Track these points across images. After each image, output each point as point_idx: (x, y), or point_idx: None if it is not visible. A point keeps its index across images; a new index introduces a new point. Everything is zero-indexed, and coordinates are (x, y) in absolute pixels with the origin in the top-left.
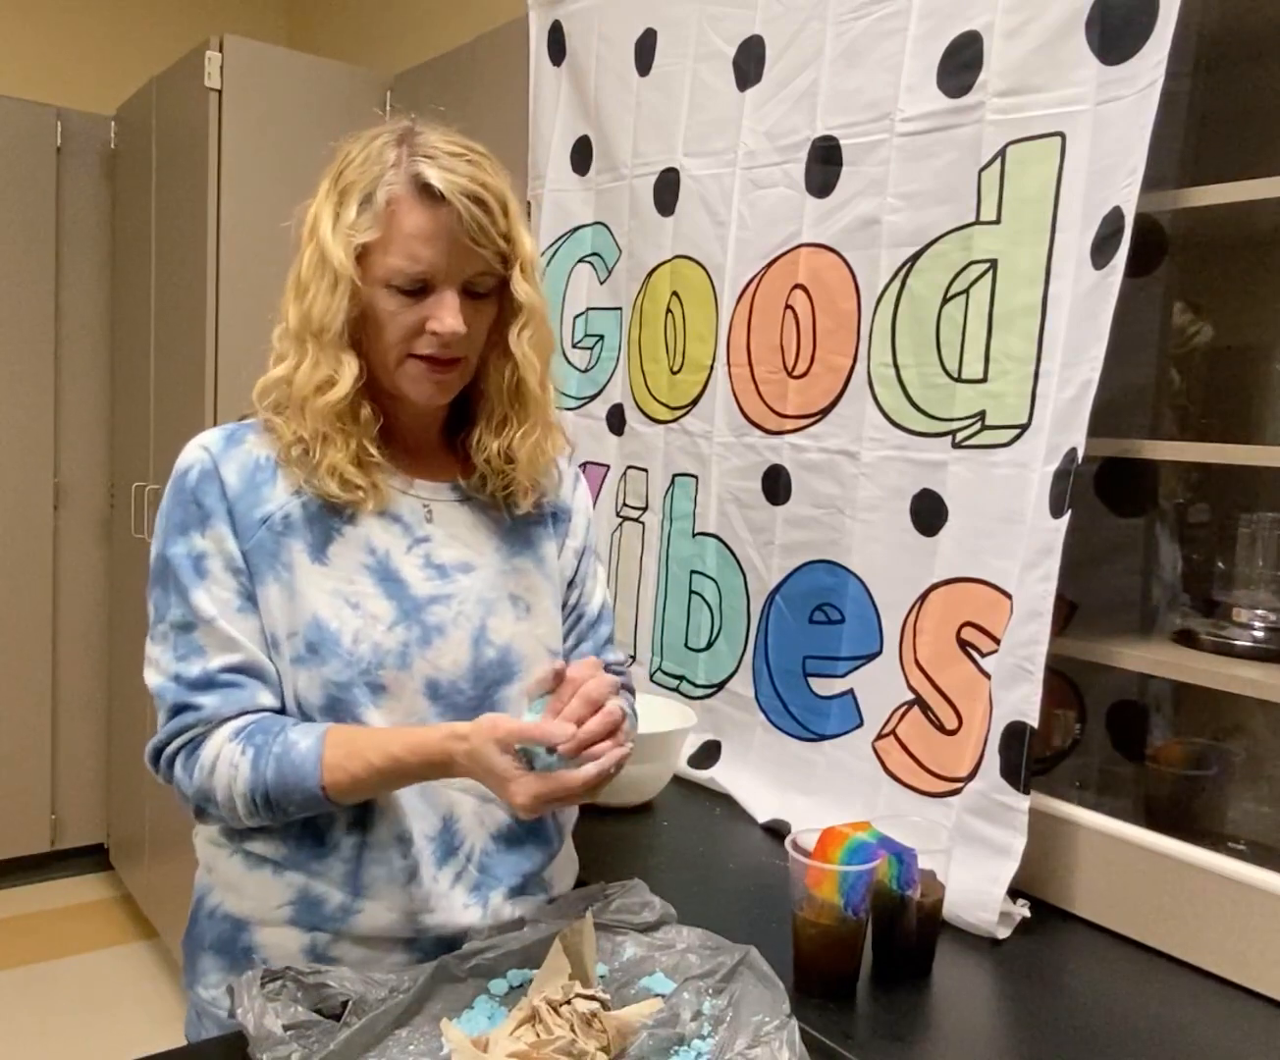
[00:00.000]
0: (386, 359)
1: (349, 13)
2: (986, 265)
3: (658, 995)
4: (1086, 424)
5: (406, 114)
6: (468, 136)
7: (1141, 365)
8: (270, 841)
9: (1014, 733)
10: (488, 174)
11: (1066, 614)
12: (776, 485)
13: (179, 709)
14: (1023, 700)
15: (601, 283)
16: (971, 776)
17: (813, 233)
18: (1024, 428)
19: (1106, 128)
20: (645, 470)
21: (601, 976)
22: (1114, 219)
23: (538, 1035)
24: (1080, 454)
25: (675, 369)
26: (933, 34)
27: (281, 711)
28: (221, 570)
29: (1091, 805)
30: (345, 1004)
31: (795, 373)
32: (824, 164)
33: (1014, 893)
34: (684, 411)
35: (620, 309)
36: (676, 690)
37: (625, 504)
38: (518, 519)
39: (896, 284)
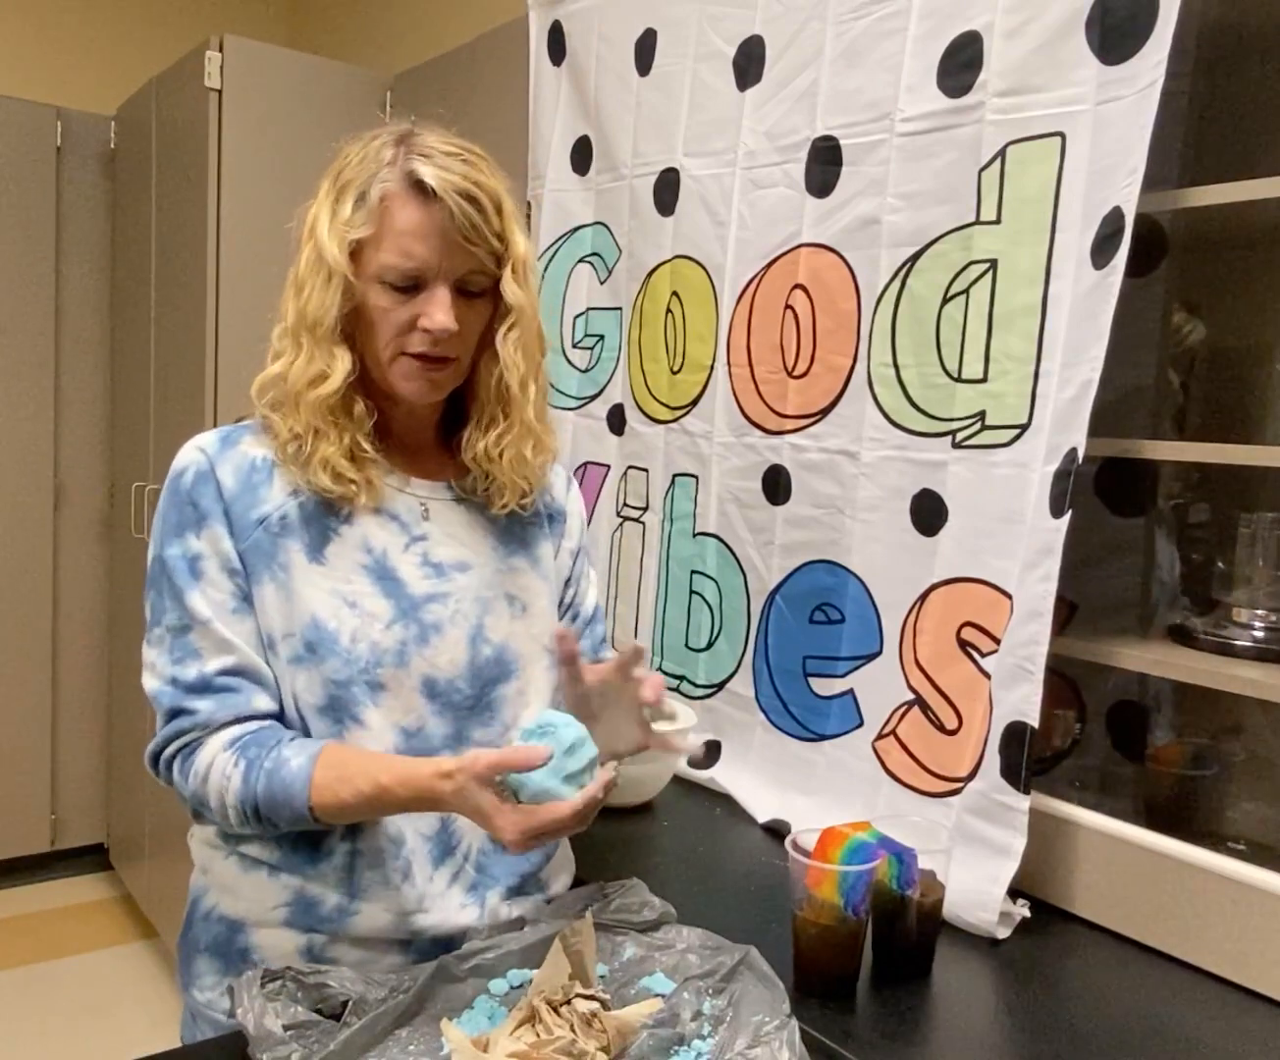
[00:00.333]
0: (379, 356)
1: (349, 13)
2: (986, 265)
3: (658, 995)
4: (1086, 424)
5: (408, 116)
6: (468, 137)
7: (1141, 365)
8: (265, 846)
9: (1014, 733)
10: (482, 174)
11: (1066, 614)
12: (776, 485)
13: (175, 713)
14: (1023, 700)
15: (601, 283)
16: (971, 776)
17: (813, 233)
18: (1024, 428)
19: (1106, 128)
20: (645, 470)
21: (601, 976)
22: (1114, 219)
23: (538, 1035)
24: (1080, 454)
25: (675, 369)
26: (933, 34)
27: (279, 714)
28: (217, 571)
29: (1091, 805)
30: (345, 1004)
31: (795, 373)
32: (824, 164)
33: (1014, 893)
34: (684, 411)
35: (620, 309)
36: (677, 690)
37: (625, 504)
38: (513, 519)
39: (896, 284)
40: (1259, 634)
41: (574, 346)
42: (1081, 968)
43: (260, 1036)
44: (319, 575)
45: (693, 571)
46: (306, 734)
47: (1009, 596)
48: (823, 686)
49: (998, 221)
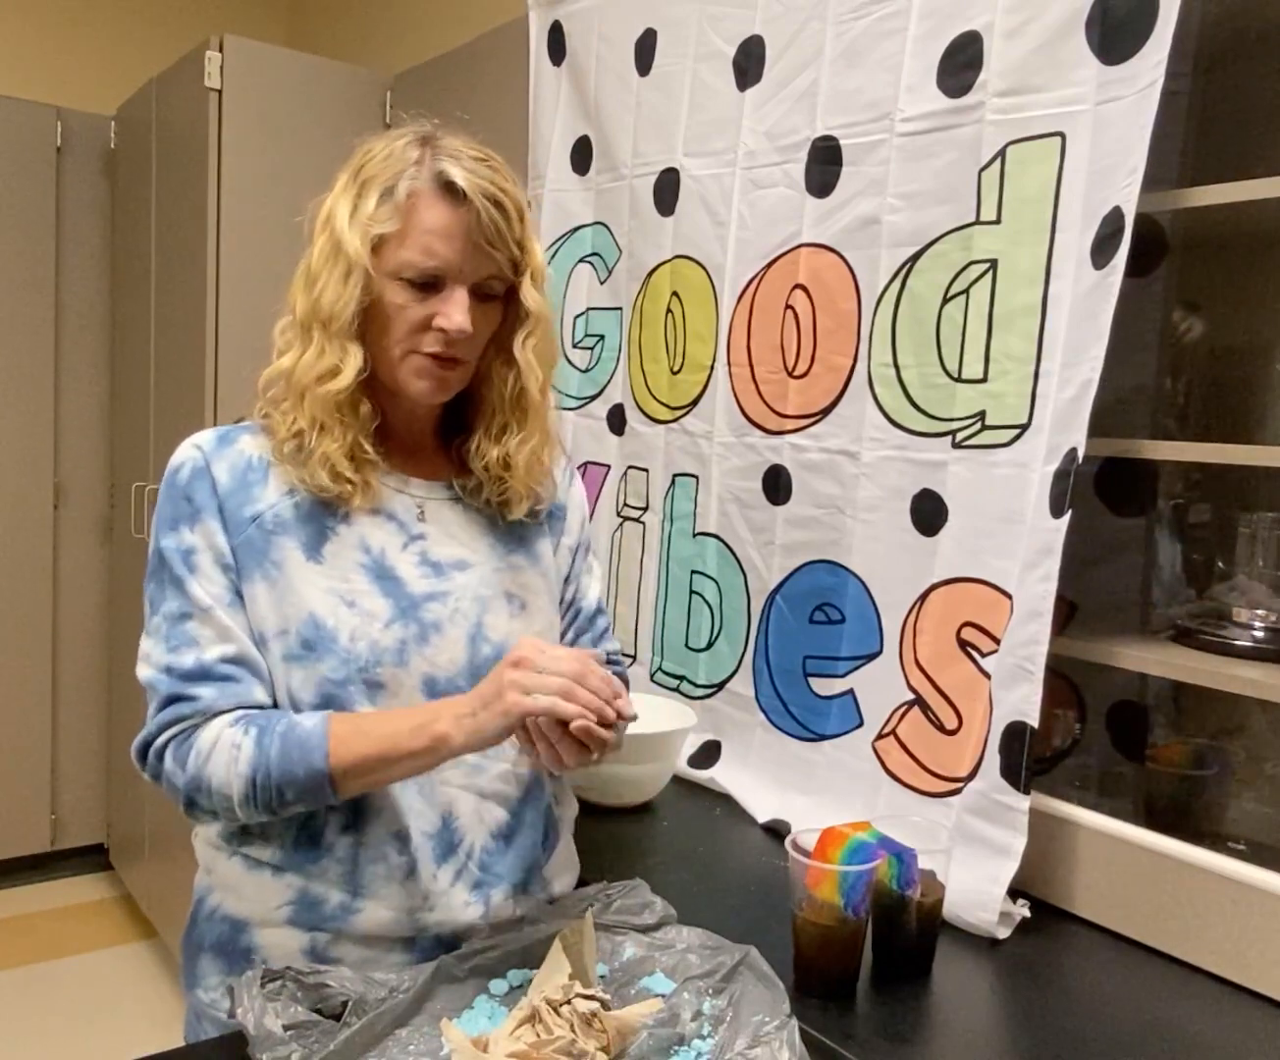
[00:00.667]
0: (390, 353)
1: (349, 13)
2: (986, 265)
3: (658, 995)
4: (1086, 424)
5: (429, 118)
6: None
7: (1141, 365)
8: (267, 846)
9: (1014, 733)
10: (506, 181)
11: (1066, 614)
12: (777, 485)
13: (172, 700)
14: (1023, 700)
15: (602, 283)
16: (971, 776)
17: (813, 233)
18: (1024, 428)
19: (1106, 128)
20: (646, 470)
21: (601, 976)
22: (1114, 219)
23: (538, 1035)
24: (1080, 454)
25: (675, 369)
26: (933, 34)
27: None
28: (210, 565)
29: (1091, 805)
30: (345, 1004)
31: (795, 373)
32: (824, 164)
33: (1014, 893)
34: (684, 411)
35: (620, 309)
36: (677, 690)
37: (626, 504)
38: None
39: (896, 284)
40: (1259, 634)
41: (574, 346)
42: (1081, 968)
43: (260, 1037)
44: (316, 574)
45: (693, 571)
46: None
47: (1009, 596)
48: (823, 686)
49: (998, 221)
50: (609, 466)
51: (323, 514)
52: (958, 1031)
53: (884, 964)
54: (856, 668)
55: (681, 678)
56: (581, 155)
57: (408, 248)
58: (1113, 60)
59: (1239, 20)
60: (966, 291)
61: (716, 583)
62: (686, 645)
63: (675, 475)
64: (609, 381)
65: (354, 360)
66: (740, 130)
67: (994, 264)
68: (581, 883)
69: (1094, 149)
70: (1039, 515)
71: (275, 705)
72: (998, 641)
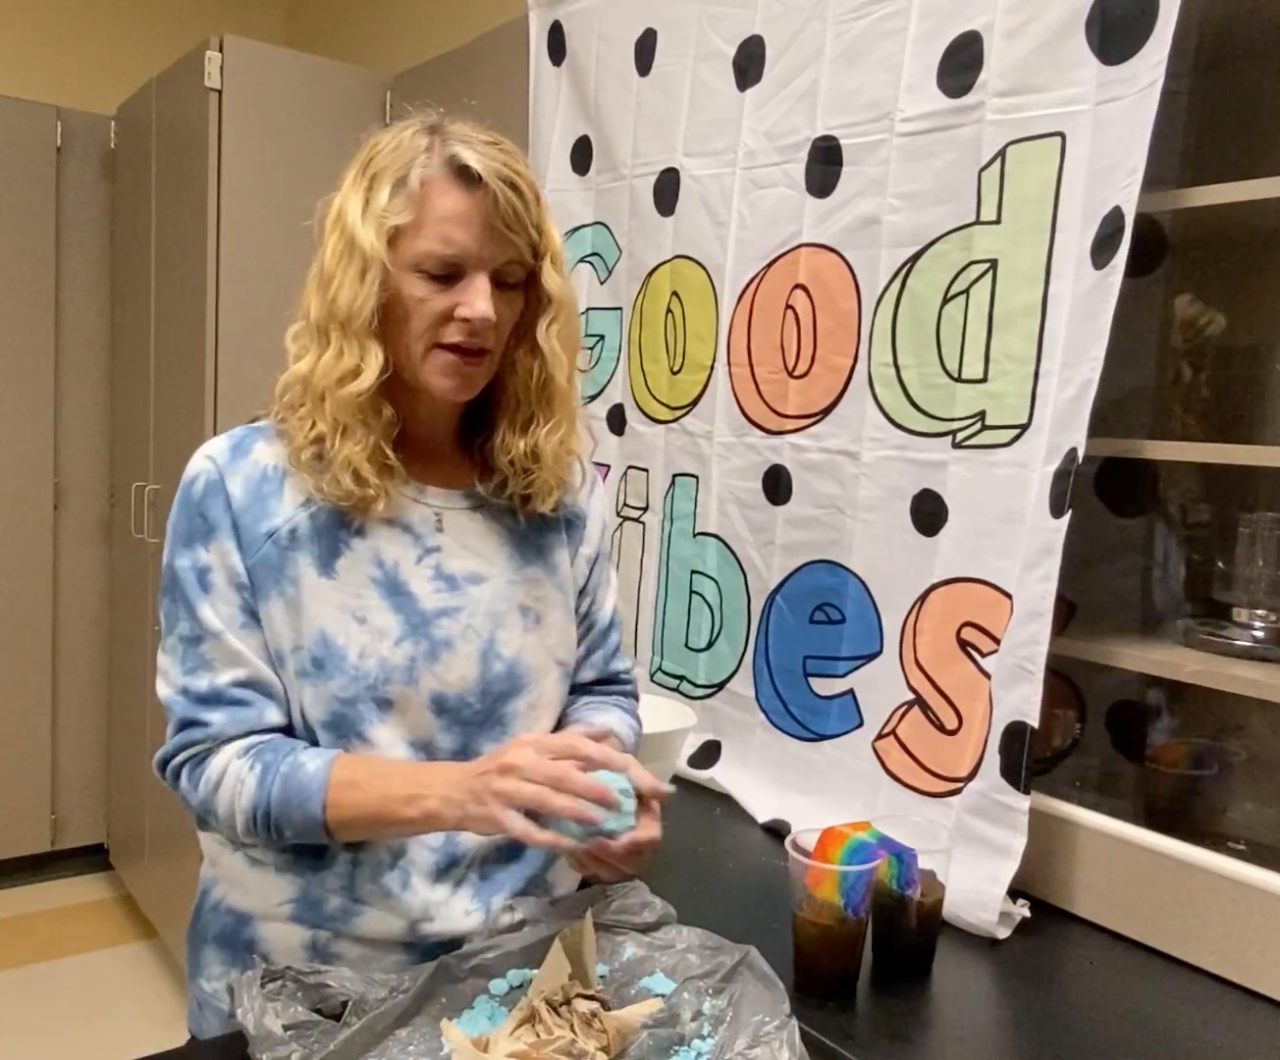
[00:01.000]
0: (412, 349)
1: (349, 13)
2: (986, 265)
3: (658, 995)
4: (1087, 424)
5: (435, 108)
6: None
7: (1141, 365)
8: (269, 850)
9: (1014, 733)
10: (520, 164)
11: (1066, 614)
12: (777, 485)
13: (186, 723)
14: (1023, 700)
15: (602, 283)
16: (971, 776)
17: (813, 233)
18: (1024, 428)
19: (1106, 128)
20: (646, 470)
21: (601, 976)
22: (1114, 219)
23: (538, 1035)
24: (1080, 454)
25: (675, 369)
26: (933, 34)
27: (289, 728)
28: (225, 585)
29: (1091, 805)
30: (345, 1004)
31: (796, 373)
32: (824, 164)
33: (1014, 893)
34: (684, 411)
35: (620, 309)
36: (677, 690)
37: (626, 504)
38: (531, 526)
39: (897, 284)
40: (1259, 634)
41: None
42: (1081, 968)
43: (260, 1036)
44: (329, 590)
45: (693, 571)
46: (315, 746)
47: (1009, 596)
48: (823, 686)
49: (998, 221)
50: (609, 467)
51: (337, 527)
52: (958, 1031)
53: (884, 964)
54: (856, 668)
55: (681, 678)
56: (581, 155)
57: (424, 237)
58: (1113, 60)
59: (1239, 20)
60: (966, 291)
61: (716, 583)
62: (686, 645)
63: (675, 475)
64: (609, 381)
65: (375, 359)
66: (740, 130)
67: (994, 264)
68: (583, 885)
69: (1094, 149)
70: (1039, 515)
71: (290, 723)
72: (998, 641)
